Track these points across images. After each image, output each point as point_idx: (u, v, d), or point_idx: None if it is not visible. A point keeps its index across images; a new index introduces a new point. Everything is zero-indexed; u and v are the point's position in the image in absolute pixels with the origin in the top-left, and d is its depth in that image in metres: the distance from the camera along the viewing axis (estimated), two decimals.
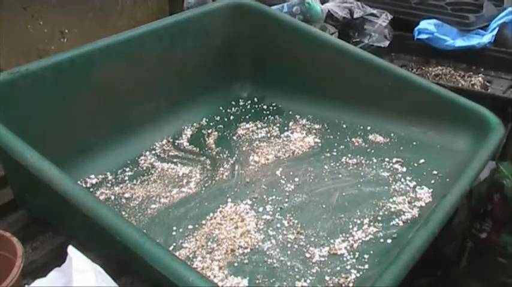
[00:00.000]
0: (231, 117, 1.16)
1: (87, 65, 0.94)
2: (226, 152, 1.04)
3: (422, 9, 1.47)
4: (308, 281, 0.75)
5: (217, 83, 1.19)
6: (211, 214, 0.87)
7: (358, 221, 0.86)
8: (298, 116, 1.14)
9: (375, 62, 1.08)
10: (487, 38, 1.36)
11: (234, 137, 1.09)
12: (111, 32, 1.38)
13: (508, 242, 1.21)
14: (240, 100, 1.21)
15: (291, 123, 1.13)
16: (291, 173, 0.97)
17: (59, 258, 0.61)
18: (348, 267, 0.77)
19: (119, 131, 1.00)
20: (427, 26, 1.37)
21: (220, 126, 1.12)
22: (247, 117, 1.16)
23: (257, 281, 0.75)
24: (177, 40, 1.09)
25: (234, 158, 1.03)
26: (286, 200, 0.91)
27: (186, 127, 1.10)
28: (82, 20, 1.36)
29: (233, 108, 1.19)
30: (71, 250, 0.61)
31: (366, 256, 0.79)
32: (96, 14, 1.38)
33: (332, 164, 1.00)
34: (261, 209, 0.88)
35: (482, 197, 1.21)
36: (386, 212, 0.87)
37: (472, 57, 1.39)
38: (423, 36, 1.38)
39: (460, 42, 1.37)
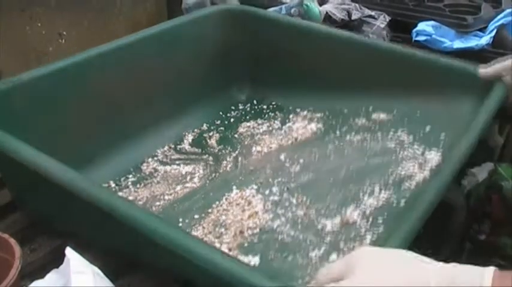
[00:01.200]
0: (232, 120, 1.16)
1: (82, 74, 0.93)
2: (229, 148, 1.05)
3: (420, 11, 1.47)
4: (322, 250, 0.75)
5: (215, 88, 1.20)
6: (217, 202, 0.87)
7: (369, 190, 0.85)
8: (298, 110, 1.15)
9: (370, 43, 1.09)
10: (485, 39, 1.36)
11: (236, 135, 1.10)
12: (109, 34, 1.38)
13: (507, 244, 1.21)
14: (240, 104, 1.21)
15: (291, 116, 1.13)
16: (295, 157, 0.97)
17: (57, 260, 0.61)
18: (363, 232, 0.77)
19: (119, 139, 1.00)
20: (425, 28, 1.37)
21: (221, 128, 1.13)
22: (247, 117, 1.16)
23: (269, 258, 0.75)
24: (172, 47, 1.09)
25: (236, 151, 1.03)
26: (293, 180, 0.91)
27: (186, 133, 1.10)
28: (80, 22, 1.36)
29: (233, 112, 1.19)
30: (69, 251, 0.61)
31: (380, 220, 0.78)
32: (95, 15, 1.38)
33: (336, 143, 1.00)
34: (267, 192, 0.88)
35: (480, 199, 1.21)
36: (396, 178, 0.87)
37: (470, 59, 1.39)
38: (421, 38, 1.37)
39: (458, 44, 1.36)
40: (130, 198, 0.90)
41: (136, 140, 1.03)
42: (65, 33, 1.32)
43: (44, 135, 0.85)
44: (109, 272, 0.63)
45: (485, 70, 0.95)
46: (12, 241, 0.63)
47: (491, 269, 0.43)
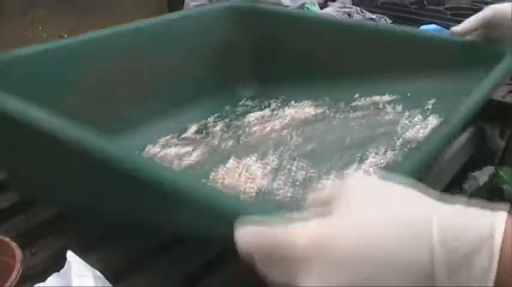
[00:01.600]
0: (237, 113, 1.16)
1: (82, 56, 0.92)
2: (231, 132, 1.05)
3: (421, 15, 1.47)
4: None
5: (220, 84, 1.20)
6: (213, 173, 0.86)
7: (374, 152, 0.85)
8: (303, 100, 1.14)
9: (371, 27, 1.10)
10: None
11: (239, 123, 1.10)
12: None
13: None
14: (244, 99, 1.21)
15: (295, 104, 1.13)
16: (298, 132, 0.97)
17: (58, 263, 0.61)
18: None
19: (119, 129, 0.98)
20: None
21: (226, 120, 1.13)
22: (252, 110, 1.16)
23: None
24: (175, 39, 1.09)
25: (239, 132, 1.04)
26: (295, 150, 0.90)
27: (190, 125, 1.10)
28: (81, 25, 1.36)
29: (239, 108, 1.19)
30: (70, 255, 0.61)
31: None
32: (96, 18, 1.39)
33: (341, 117, 1.00)
34: (266, 160, 0.88)
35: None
36: (402, 141, 0.86)
37: None
38: None
39: None
40: None
41: (138, 130, 1.02)
42: (66, 36, 1.32)
43: None
44: (110, 275, 0.63)
45: (456, 28, 0.95)
46: (13, 244, 0.63)
47: (504, 215, 0.36)
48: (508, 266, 0.34)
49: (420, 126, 0.89)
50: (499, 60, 0.90)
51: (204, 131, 1.08)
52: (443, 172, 0.99)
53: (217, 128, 1.08)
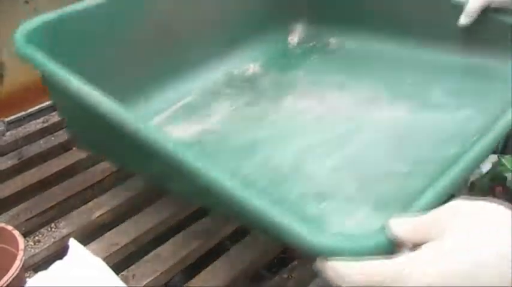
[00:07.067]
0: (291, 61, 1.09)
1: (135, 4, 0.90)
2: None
3: None
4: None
5: (272, 25, 1.12)
6: None
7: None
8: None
9: None
10: None
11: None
12: None
13: None
14: (298, 43, 1.14)
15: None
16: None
17: (61, 251, 0.61)
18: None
19: (171, 71, 0.96)
20: None
21: (274, 69, 1.06)
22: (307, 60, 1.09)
23: None
24: None
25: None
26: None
27: (236, 70, 1.05)
28: None
29: (290, 52, 1.12)
30: (73, 243, 0.61)
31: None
32: None
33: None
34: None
35: (484, 191, 1.21)
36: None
37: None
38: None
39: None
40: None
41: (189, 73, 1.00)
42: None
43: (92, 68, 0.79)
44: (113, 263, 0.63)
45: (462, 21, 0.87)
46: (16, 232, 0.63)
47: None
48: None
49: None
50: None
51: (248, 80, 1.02)
52: None
53: (265, 81, 1.01)
